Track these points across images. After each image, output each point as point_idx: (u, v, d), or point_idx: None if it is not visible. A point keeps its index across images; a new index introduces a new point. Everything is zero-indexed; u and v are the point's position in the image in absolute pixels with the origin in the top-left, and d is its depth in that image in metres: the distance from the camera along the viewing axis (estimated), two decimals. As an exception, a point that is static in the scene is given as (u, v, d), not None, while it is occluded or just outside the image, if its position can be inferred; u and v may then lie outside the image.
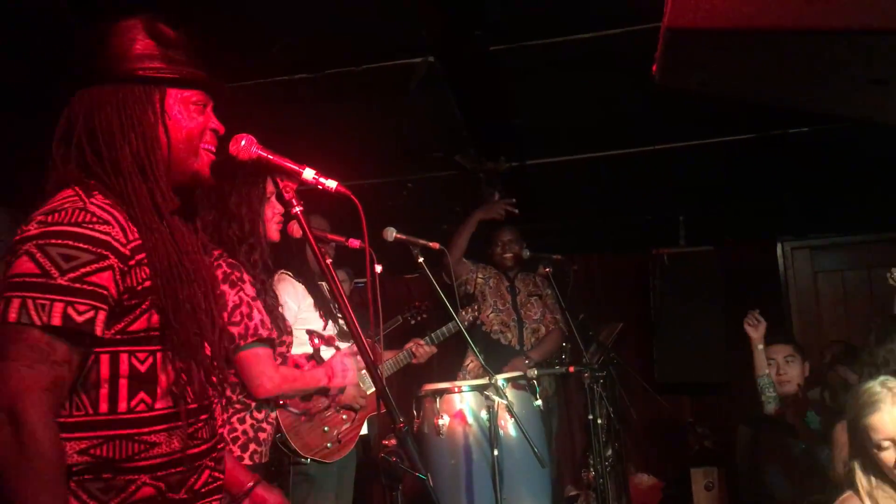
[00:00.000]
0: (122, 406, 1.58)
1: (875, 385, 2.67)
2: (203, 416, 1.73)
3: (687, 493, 5.67)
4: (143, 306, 1.62)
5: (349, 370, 3.26)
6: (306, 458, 3.47)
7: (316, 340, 3.63)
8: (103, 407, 1.57)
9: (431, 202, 5.92)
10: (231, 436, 2.84)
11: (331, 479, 3.61)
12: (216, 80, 1.78)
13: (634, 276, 6.69)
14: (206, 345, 1.74)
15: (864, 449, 2.64)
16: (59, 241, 1.53)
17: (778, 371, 4.04)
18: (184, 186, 1.77)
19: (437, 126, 4.92)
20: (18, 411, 1.44)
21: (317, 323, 3.73)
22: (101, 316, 1.55)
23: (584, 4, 3.80)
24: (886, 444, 2.60)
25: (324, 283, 3.91)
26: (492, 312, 5.18)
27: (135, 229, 1.63)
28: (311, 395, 3.56)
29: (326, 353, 3.78)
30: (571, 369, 4.29)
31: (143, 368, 1.60)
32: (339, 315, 3.89)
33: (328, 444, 3.55)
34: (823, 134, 5.09)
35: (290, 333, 3.16)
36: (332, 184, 1.73)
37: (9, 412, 1.44)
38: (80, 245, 1.54)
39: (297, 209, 1.72)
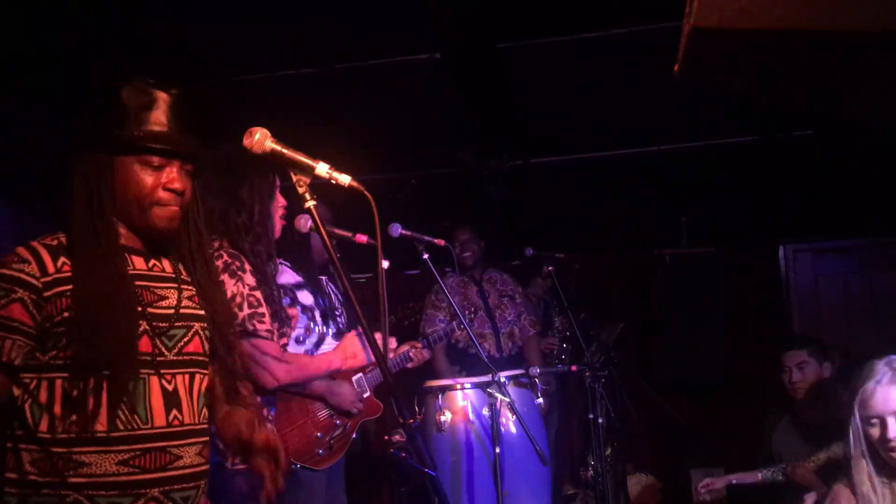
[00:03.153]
0: (59, 427, 1.75)
1: (880, 363, 2.70)
2: (143, 445, 1.78)
3: (686, 493, 5.67)
4: (65, 335, 1.76)
5: (361, 350, 3.24)
6: (296, 464, 3.43)
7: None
8: (43, 426, 1.75)
9: (434, 199, 5.92)
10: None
11: (321, 483, 3.57)
12: (178, 144, 1.86)
13: (636, 277, 6.70)
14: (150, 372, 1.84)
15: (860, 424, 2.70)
16: None
17: (790, 379, 4.05)
18: (147, 237, 1.91)
19: (443, 123, 4.92)
20: None
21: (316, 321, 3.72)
22: (7, 344, 1.75)
23: (592, 3, 3.81)
24: (874, 420, 2.65)
25: (323, 278, 3.90)
26: (461, 329, 4.77)
27: (66, 265, 1.79)
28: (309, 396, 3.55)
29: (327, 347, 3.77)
30: (574, 368, 4.30)
31: (74, 393, 1.74)
32: (338, 313, 3.88)
33: (319, 451, 3.49)
34: (827, 137, 5.09)
35: (291, 325, 3.14)
36: (345, 179, 1.73)
37: None
38: None
39: (311, 203, 1.71)
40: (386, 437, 3.26)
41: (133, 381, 1.78)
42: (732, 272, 6.38)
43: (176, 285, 1.91)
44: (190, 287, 1.94)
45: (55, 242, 1.82)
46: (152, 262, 1.91)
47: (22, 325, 1.75)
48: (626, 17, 3.93)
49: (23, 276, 1.76)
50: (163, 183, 1.84)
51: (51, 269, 1.78)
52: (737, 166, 5.69)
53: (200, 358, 1.93)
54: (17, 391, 1.78)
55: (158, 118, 1.83)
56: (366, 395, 3.71)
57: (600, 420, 4.42)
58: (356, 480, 3.93)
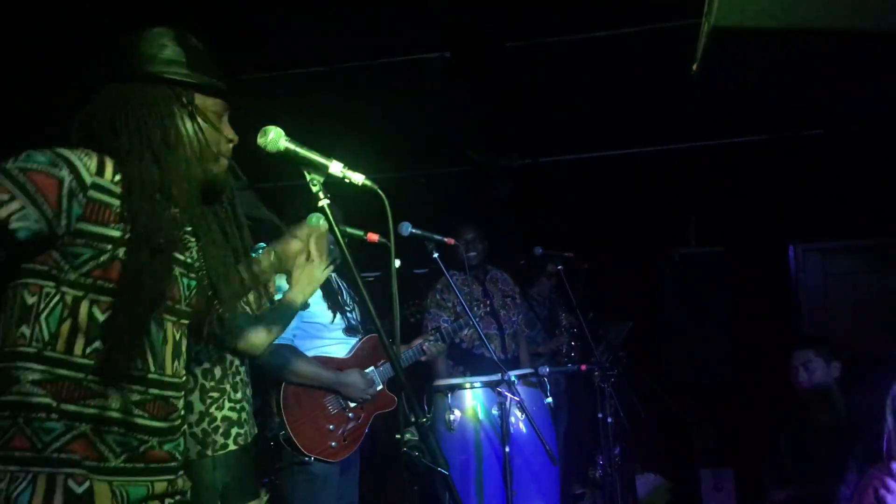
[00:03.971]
0: (77, 350, 1.62)
1: None
2: (154, 391, 1.72)
3: (695, 493, 5.67)
4: (106, 253, 1.64)
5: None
6: (310, 457, 3.44)
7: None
8: (60, 346, 1.61)
9: (443, 197, 5.92)
10: (212, 426, 2.85)
11: (333, 477, 3.57)
12: (235, 91, 1.84)
13: (644, 276, 6.69)
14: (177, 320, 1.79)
15: None
16: (30, 151, 1.62)
17: (797, 378, 4.04)
18: (200, 187, 1.83)
19: (452, 121, 4.92)
20: None
21: (325, 316, 3.71)
22: (19, 209, 1.56)
23: (601, 2, 3.81)
24: None
25: (333, 276, 3.90)
26: (470, 328, 4.65)
27: (119, 181, 1.67)
28: (319, 389, 3.57)
29: (345, 346, 3.77)
30: (583, 367, 4.29)
31: (101, 319, 1.64)
32: (349, 308, 3.88)
33: (332, 444, 3.51)
34: (836, 137, 5.09)
35: None
36: (358, 177, 1.73)
37: None
38: (43, 152, 1.62)
39: (325, 202, 1.71)
40: (398, 436, 3.26)
41: (157, 324, 1.73)
42: (741, 272, 6.36)
43: (190, 234, 1.85)
44: (193, 238, 1.87)
45: (106, 160, 1.68)
46: None
47: (45, 200, 1.58)
48: (635, 17, 3.93)
49: (76, 160, 1.62)
50: (227, 134, 1.83)
51: (108, 175, 1.67)
52: (746, 166, 5.69)
53: (195, 313, 1.89)
54: (29, 297, 1.62)
55: (212, 67, 1.83)
56: (378, 388, 3.72)
57: (609, 420, 4.41)
58: (367, 478, 3.93)
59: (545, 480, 3.89)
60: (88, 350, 1.63)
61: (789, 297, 6.68)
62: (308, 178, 1.73)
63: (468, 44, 4.12)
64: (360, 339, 3.78)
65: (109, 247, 1.64)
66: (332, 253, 2.41)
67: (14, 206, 1.55)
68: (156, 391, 1.73)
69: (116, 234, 1.65)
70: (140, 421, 1.69)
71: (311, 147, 1.78)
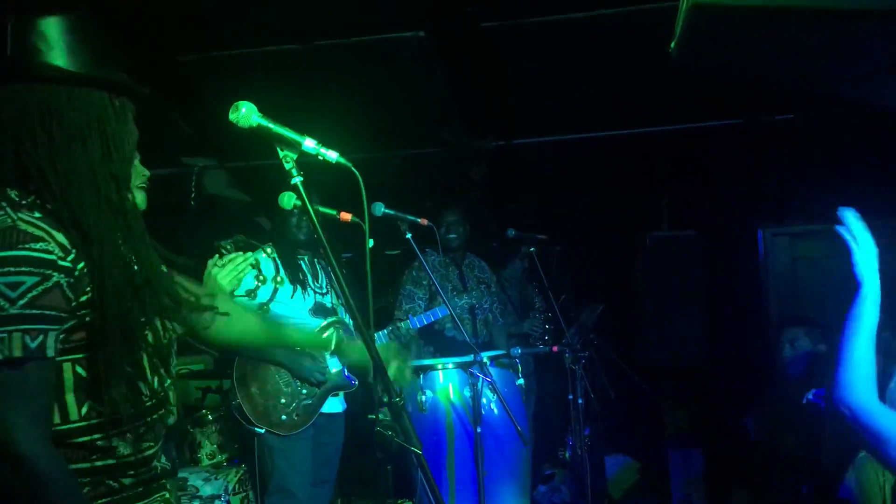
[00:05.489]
0: (74, 415, 1.56)
1: None
2: (149, 417, 1.68)
3: (664, 473, 5.73)
4: (84, 317, 1.56)
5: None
6: (261, 428, 3.55)
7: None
8: (56, 417, 1.54)
9: (417, 178, 5.89)
10: None
11: (301, 453, 3.63)
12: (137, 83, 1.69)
13: (617, 258, 6.72)
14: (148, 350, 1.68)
15: None
16: (4, 266, 1.46)
17: (782, 352, 4.13)
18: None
19: (426, 102, 4.89)
20: (17, 455, 1.42)
21: (285, 293, 3.74)
22: (52, 337, 1.49)
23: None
24: None
25: (304, 258, 3.88)
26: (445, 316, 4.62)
27: (71, 241, 1.54)
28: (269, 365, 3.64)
29: (310, 325, 3.77)
30: (555, 349, 4.31)
31: (89, 375, 1.56)
32: (319, 290, 3.88)
33: (283, 417, 3.60)
34: (808, 121, 5.12)
35: None
36: (333, 155, 1.71)
37: (12, 460, 1.43)
38: (23, 269, 1.47)
39: (298, 179, 1.69)
40: (371, 416, 3.27)
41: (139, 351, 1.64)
42: (713, 255, 6.41)
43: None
44: None
45: (40, 214, 1.53)
46: None
47: (61, 313, 1.50)
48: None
49: (51, 256, 1.49)
50: (136, 135, 1.70)
51: (66, 243, 1.53)
52: (718, 150, 5.71)
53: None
54: None
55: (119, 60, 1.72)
56: (334, 371, 3.75)
57: (580, 401, 4.45)
58: (345, 458, 3.98)
59: (516, 461, 3.92)
60: (84, 411, 1.57)
61: (758, 281, 6.74)
62: (281, 154, 1.70)
63: (443, 23, 4.08)
64: (324, 321, 3.80)
65: (85, 310, 1.56)
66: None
67: (47, 340, 1.48)
68: (155, 416, 1.69)
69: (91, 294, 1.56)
70: (148, 453, 1.67)
71: (283, 125, 1.75)
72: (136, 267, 1.63)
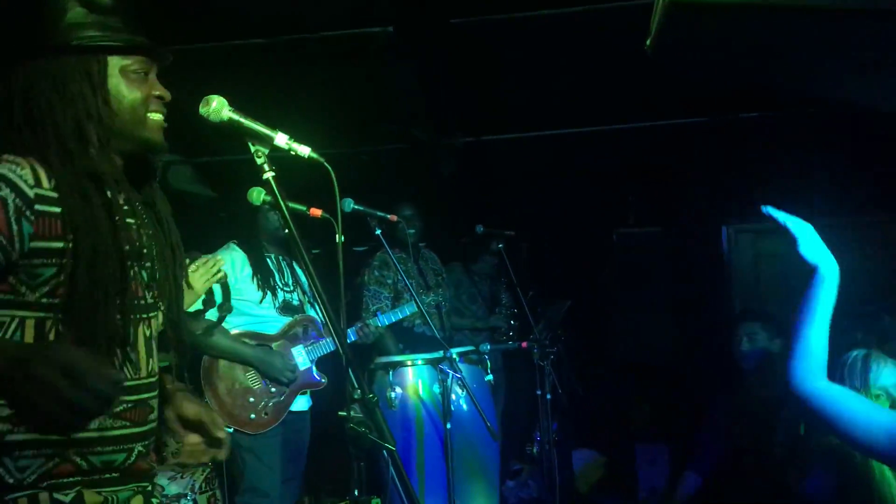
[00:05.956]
0: None
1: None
2: (132, 397, 1.63)
3: (630, 468, 5.78)
4: (58, 269, 1.53)
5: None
6: (229, 427, 3.49)
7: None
8: None
9: (385, 175, 5.87)
10: None
11: (270, 450, 3.61)
12: (157, 44, 1.69)
13: (584, 255, 6.75)
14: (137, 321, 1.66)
15: None
16: None
17: (739, 346, 4.17)
18: (136, 155, 1.71)
19: (395, 98, 4.87)
20: None
21: (253, 295, 3.69)
22: None
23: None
24: None
25: (272, 256, 3.85)
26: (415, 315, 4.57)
27: (55, 186, 1.54)
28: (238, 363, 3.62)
29: (277, 324, 3.75)
30: (524, 345, 4.32)
31: (70, 338, 1.52)
32: (285, 288, 3.84)
33: (251, 416, 3.57)
34: (773, 119, 5.20)
35: None
36: (305, 150, 1.69)
37: None
38: None
39: (269, 174, 1.66)
40: (341, 413, 3.26)
41: (129, 327, 1.61)
42: (678, 251, 6.48)
43: (138, 219, 1.71)
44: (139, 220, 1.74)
45: (35, 165, 1.55)
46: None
47: None
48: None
49: (13, 176, 1.50)
50: (153, 91, 1.68)
51: (45, 183, 1.53)
52: (685, 147, 5.77)
53: (158, 302, 1.77)
54: None
55: (126, 21, 1.67)
56: (302, 369, 3.72)
57: (548, 396, 4.47)
58: (314, 456, 3.96)
59: (485, 457, 3.93)
60: None
61: (722, 277, 6.83)
62: (252, 150, 1.68)
63: (411, 19, 4.07)
64: (293, 319, 3.78)
65: (66, 260, 1.53)
66: None
67: None
68: (134, 398, 1.64)
69: (68, 244, 1.53)
70: (119, 432, 1.60)
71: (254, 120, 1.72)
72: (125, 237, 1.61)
